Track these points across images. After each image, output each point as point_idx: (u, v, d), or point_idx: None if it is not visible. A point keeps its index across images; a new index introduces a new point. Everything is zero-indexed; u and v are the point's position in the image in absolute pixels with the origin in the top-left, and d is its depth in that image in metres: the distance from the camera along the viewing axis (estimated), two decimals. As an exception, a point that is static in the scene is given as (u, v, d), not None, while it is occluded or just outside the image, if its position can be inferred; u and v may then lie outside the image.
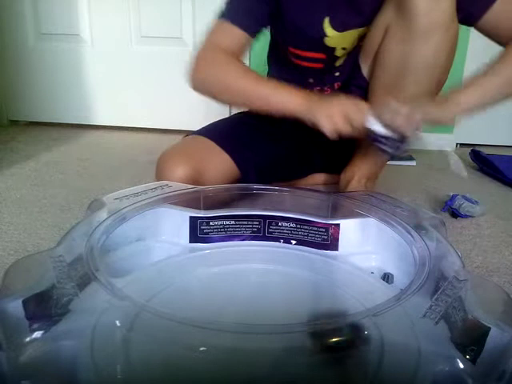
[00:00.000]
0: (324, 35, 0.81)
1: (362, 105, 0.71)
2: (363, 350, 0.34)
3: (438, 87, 0.81)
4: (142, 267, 0.55)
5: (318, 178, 1.03)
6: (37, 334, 0.33)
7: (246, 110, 0.98)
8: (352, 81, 0.90)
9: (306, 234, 0.63)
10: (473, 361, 0.32)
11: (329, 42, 0.82)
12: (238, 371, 0.32)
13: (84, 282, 0.37)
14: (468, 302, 0.36)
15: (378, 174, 0.94)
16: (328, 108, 0.70)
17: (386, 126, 0.70)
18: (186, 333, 0.33)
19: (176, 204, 0.61)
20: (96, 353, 0.32)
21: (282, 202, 0.67)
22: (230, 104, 1.16)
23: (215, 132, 0.89)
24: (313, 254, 0.62)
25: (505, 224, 0.85)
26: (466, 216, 0.85)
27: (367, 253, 0.60)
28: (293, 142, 0.95)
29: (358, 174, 0.89)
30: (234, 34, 0.77)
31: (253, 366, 0.32)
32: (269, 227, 0.64)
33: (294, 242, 0.64)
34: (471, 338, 0.34)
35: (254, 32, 0.79)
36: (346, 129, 0.69)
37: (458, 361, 0.32)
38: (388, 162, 1.24)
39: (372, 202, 0.61)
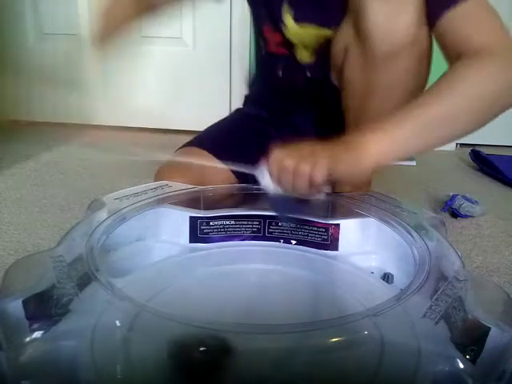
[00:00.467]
0: (283, 23, 0.77)
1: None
2: (363, 350, 0.34)
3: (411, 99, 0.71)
4: (142, 267, 0.55)
5: None
6: (37, 334, 0.33)
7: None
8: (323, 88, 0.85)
9: (306, 233, 0.63)
10: (473, 361, 0.32)
11: (288, 33, 0.78)
12: (238, 371, 0.32)
13: (84, 282, 0.38)
14: (468, 302, 0.36)
15: (369, 181, 0.88)
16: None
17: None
18: (185, 333, 0.33)
19: (176, 204, 0.61)
20: (96, 353, 0.32)
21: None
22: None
23: (210, 141, 0.88)
24: (313, 254, 0.62)
25: (505, 224, 0.85)
26: (466, 216, 0.85)
27: (367, 253, 0.60)
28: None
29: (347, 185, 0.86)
30: None
31: (253, 366, 0.32)
32: (269, 227, 0.64)
33: (294, 241, 0.64)
34: (471, 338, 0.34)
35: None
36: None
37: (458, 361, 0.32)
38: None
39: (372, 202, 0.61)
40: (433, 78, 0.64)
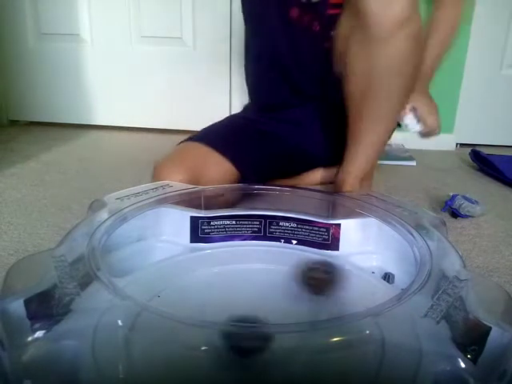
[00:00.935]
0: None
1: None
2: (364, 350, 0.34)
3: (411, 82, 0.77)
4: (143, 267, 0.55)
5: (315, 176, 1.03)
6: (39, 334, 0.33)
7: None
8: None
9: (306, 233, 0.63)
10: (474, 360, 0.32)
11: None
12: (238, 371, 0.32)
13: (86, 282, 0.38)
14: (469, 302, 0.36)
15: (372, 172, 0.92)
16: None
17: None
18: (187, 332, 0.33)
19: (177, 204, 0.61)
20: (98, 352, 0.32)
21: (282, 202, 0.67)
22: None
23: (209, 136, 0.89)
24: (314, 253, 0.62)
25: (505, 224, 0.85)
26: (466, 216, 0.85)
27: (368, 253, 0.60)
28: (288, 141, 0.95)
29: (351, 175, 0.88)
30: None
31: (253, 366, 0.32)
32: (269, 227, 0.64)
33: (294, 241, 0.64)
34: (472, 338, 0.34)
35: None
36: None
37: (460, 360, 0.32)
38: (388, 162, 1.25)
39: (373, 202, 0.61)
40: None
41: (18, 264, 0.41)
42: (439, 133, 0.98)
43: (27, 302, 0.35)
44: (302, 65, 0.93)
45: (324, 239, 0.62)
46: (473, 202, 0.86)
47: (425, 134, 0.96)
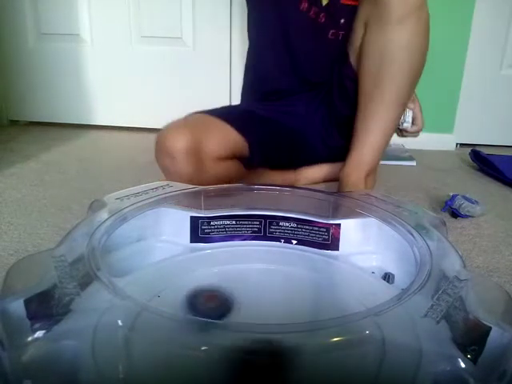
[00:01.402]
0: None
1: None
2: (364, 350, 0.34)
3: (419, 70, 0.84)
4: (143, 267, 0.55)
5: (319, 172, 1.03)
6: (38, 334, 0.33)
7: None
8: (342, 69, 0.93)
9: (306, 233, 0.63)
10: (474, 360, 0.32)
11: None
12: (238, 371, 0.32)
13: (85, 282, 0.37)
14: (469, 302, 0.36)
15: (376, 167, 0.93)
16: None
17: None
18: (187, 332, 0.33)
19: (177, 204, 0.61)
20: (97, 352, 0.32)
21: (282, 202, 0.67)
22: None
23: (216, 111, 0.90)
24: (314, 253, 0.62)
25: (505, 224, 0.85)
26: (466, 216, 0.85)
27: (368, 253, 0.60)
28: (288, 126, 0.96)
29: (357, 170, 0.88)
30: None
31: (253, 366, 0.32)
32: (269, 227, 0.64)
33: (294, 241, 0.64)
34: (472, 338, 0.34)
35: None
36: None
37: (460, 360, 0.32)
38: (388, 162, 1.25)
39: (373, 202, 0.61)
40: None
41: (17, 264, 0.41)
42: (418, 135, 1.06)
43: (27, 302, 0.35)
44: (308, 54, 0.96)
45: (324, 239, 0.62)
46: (473, 202, 0.86)
47: (410, 134, 1.03)
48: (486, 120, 1.50)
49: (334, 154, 1.01)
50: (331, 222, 0.62)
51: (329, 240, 0.62)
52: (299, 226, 0.63)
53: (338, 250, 0.62)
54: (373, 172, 0.90)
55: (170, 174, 0.80)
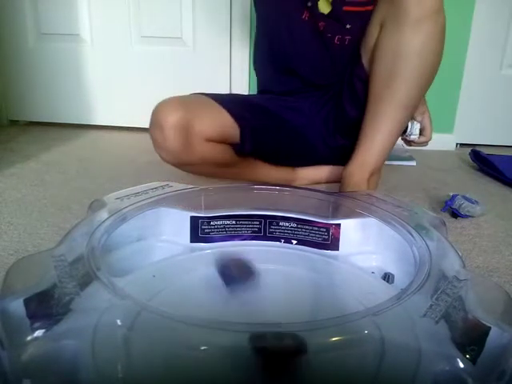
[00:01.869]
0: None
1: None
2: (363, 350, 0.34)
3: (431, 74, 0.84)
4: (142, 267, 0.55)
5: (320, 173, 1.03)
6: (38, 333, 0.33)
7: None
8: (354, 70, 0.93)
9: (306, 233, 0.63)
10: (473, 360, 0.32)
11: None
12: (238, 370, 0.32)
13: (85, 282, 0.38)
14: (468, 302, 0.36)
15: (381, 168, 0.93)
16: None
17: None
18: (187, 332, 0.33)
19: (177, 204, 0.61)
20: (97, 352, 0.32)
21: (282, 202, 0.67)
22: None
23: (217, 94, 0.91)
24: (313, 253, 0.62)
25: (505, 224, 0.85)
26: (466, 216, 0.85)
27: (368, 253, 0.60)
28: (289, 120, 0.96)
29: (360, 170, 0.88)
30: None
31: (253, 366, 0.32)
32: (269, 227, 0.64)
33: (294, 241, 0.64)
34: (471, 338, 0.34)
35: None
36: None
37: (459, 360, 0.32)
38: (388, 162, 1.25)
39: (372, 202, 0.61)
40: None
41: (17, 264, 0.41)
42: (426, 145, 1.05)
43: (27, 302, 0.35)
44: (309, 58, 0.97)
45: (324, 239, 0.62)
46: (473, 202, 0.86)
47: (417, 144, 1.02)
48: (486, 120, 1.50)
49: (334, 154, 1.01)
50: (331, 222, 0.62)
51: (329, 240, 0.62)
52: (299, 226, 0.63)
53: (337, 250, 0.62)
54: (376, 173, 0.90)
55: (159, 148, 0.82)
